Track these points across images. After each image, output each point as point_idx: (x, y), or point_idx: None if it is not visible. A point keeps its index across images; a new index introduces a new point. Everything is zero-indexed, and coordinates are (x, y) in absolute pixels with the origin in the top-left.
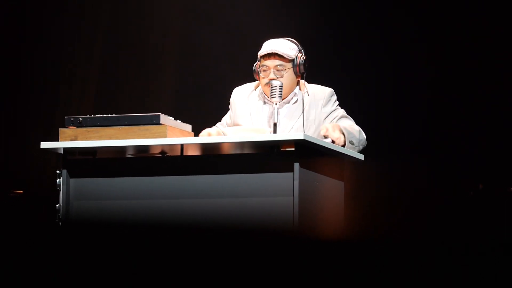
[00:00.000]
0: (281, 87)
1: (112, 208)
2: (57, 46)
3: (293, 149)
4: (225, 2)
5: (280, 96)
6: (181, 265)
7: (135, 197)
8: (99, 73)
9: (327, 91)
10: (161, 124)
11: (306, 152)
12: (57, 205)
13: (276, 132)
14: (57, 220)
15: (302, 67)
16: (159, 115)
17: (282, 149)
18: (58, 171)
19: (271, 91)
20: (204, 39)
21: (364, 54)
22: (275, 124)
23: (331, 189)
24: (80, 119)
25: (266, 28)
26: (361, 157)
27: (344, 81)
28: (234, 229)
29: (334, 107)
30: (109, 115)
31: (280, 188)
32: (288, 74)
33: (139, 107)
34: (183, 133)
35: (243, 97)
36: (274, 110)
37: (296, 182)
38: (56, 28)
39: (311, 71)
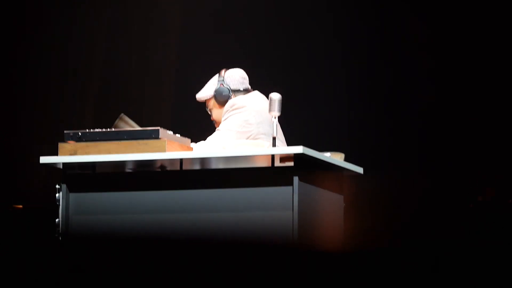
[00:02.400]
0: (280, 101)
1: (111, 222)
2: (57, 61)
3: (292, 163)
4: (222, 16)
5: (279, 110)
6: (180, 279)
7: (134, 212)
8: (98, 87)
9: (230, 102)
10: (160, 138)
11: (305, 166)
12: (56, 220)
13: (275, 146)
14: (56, 235)
15: (220, 98)
16: (158, 129)
17: (281, 163)
18: (57, 186)
19: (270, 105)
20: (202, 54)
21: (363, 67)
22: (274, 138)
23: (331, 203)
24: (80, 133)
25: (263, 40)
26: (360, 170)
27: (343, 94)
28: (233, 243)
29: (224, 117)
30: (108, 129)
31: (280, 202)
32: (214, 112)
33: (138, 121)
34: (182, 147)
35: None
36: (273, 124)
37: (296, 196)
38: (57, 42)
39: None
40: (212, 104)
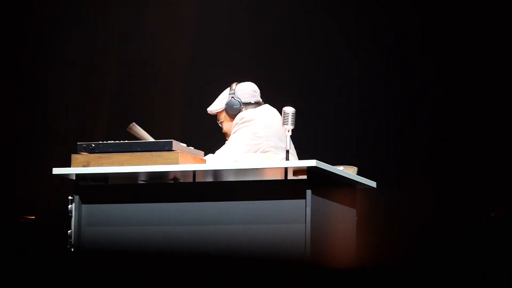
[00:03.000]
0: (293, 114)
1: (124, 234)
2: (71, 74)
3: (305, 176)
4: (235, 29)
5: (293, 124)
6: None
7: (147, 223)
8: (110, 99)
9: (240, 115)
10: (173, 150)
11: (318, 179)
12: (69, 231)
13: (288, 159)
14: (69, 246)
15: (230, 110)
16: (171, 141)
17: (294, 176)
18: (70, 197)
19: (284, 118)
20: (214, 67)
21: (376, 82)
22: (287, 151)
23: (343, 216)
24: (93, 145)
25: (275, 54)
26: (373, 184)
27: (356, 108)
28: (246, 255)
29: (233, 130)
30: (121, 141)
31: (292, 215)
32: (225, 124)
33: (151, 132)
34: (195, 160)
35: None
36: (286, 137)
37: (308, 209)
38: (70, 56)
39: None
40: (223, 117)
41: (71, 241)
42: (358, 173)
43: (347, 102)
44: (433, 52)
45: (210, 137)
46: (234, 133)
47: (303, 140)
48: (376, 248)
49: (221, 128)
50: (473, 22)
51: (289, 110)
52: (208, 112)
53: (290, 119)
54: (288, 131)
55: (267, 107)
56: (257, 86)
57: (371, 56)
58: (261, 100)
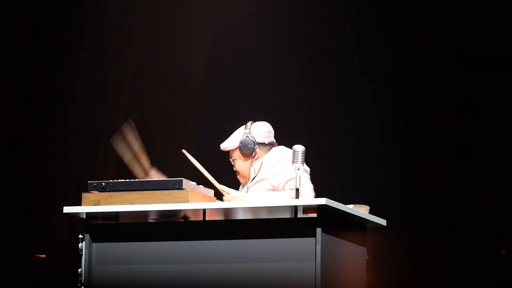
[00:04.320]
0: (303, 153)
1: (134, 272)
2: (80, 112)
3: (315, 214)
4: (248, 66)
5: (303, 162)
6: None
7: (157, 262)
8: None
9: (280, 150)
10: (184, 189)
11: (328, 217)
12: (79, 270)
13: (298, 197)
14: (79, 285)
15: (245, 150)
16: (182, 180)
17: (304, 214)
18: (80, 236)
19: (293, 156)
20: (226, 105)
21: (388, 119)
22: (297, 189)
23: (353, 255)
24: (103, 184)
25: (287, 91)
26: (383, 222)
27: (367, 147)
28: None
29: (282, 168)
30: (132, 180)
31: (302, 253)
32: (238, 162)
33: (162, 168)
34: (205, 198)
35: None
36: (296, 175)
37: (319, 247)
38: (79, 94)
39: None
40: (236, 154)
41: (81, 280)
42: (370, 212)
43: (359, 140)
44: (453, 78)
45: (223, 174)
46: (283, 168)
47: (315, 178)
48: (386, 287)
49: (232, 166)
50: None
51: (299, 148)
52: (221, 148)
53: (300, 157)
54: (298, 169)
55: (284, 148)
56: (270, 124)
57: (380, 92)
58: (274, 140)
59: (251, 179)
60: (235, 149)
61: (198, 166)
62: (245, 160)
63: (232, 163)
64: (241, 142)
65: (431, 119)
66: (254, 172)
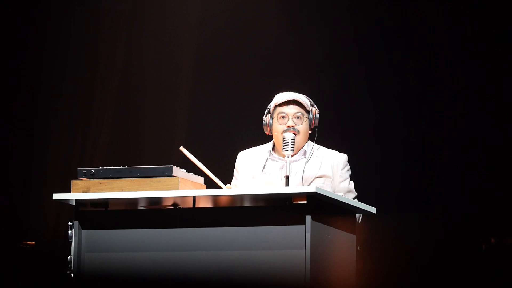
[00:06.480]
0: (293, 140)
1: (124, 260)
2: (70, 97)
3: (305, 202)
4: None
5: (292, 150)
6: None
7: (147, 249)
8: (112, 125)
9: (344, 156)
10: (173, 176)
11: (318, 205)
12: (68, 257)
13: (288, 185)
14: (68, 272)
15: (316, 121)
16: (171, 167)
17: (294, 202)
18: (70, 223)
19: (284, 143)
20: (215, 90)
21: (381, 106)
22: (287, 177)
23: (343, 242)
24: (93, 170)
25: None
26: (373, 210)
27: (357, 136)
28: (245, 282)
29: (346, 176)
30: (121, 167)
31: (292, 241)
32: (305, 125)
33: (151, 158)
34: (195, 185)
35: (248, 160)
36: (286, 163)
37: (308, 235)
38: (69, 82)
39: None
40: (304, 116)
41: (71, 267)
42: (359, 200)
43: (349, 128)
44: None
45: (211, 164)
46: (347, 176)
47: None
48: (376, 275)
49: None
50: None
51: (289, 136)
52: (291, 98)
53: (290, 145)
54: (288, 156)
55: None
56: None
57: (379, 86)
58: None
59: (302, 154)
60: (307, 111)
61: (197, 163)
62: (306, 132)
63: (291, 121)
64: (317, 113)
65: (424, 111)
66: (311, 151)
